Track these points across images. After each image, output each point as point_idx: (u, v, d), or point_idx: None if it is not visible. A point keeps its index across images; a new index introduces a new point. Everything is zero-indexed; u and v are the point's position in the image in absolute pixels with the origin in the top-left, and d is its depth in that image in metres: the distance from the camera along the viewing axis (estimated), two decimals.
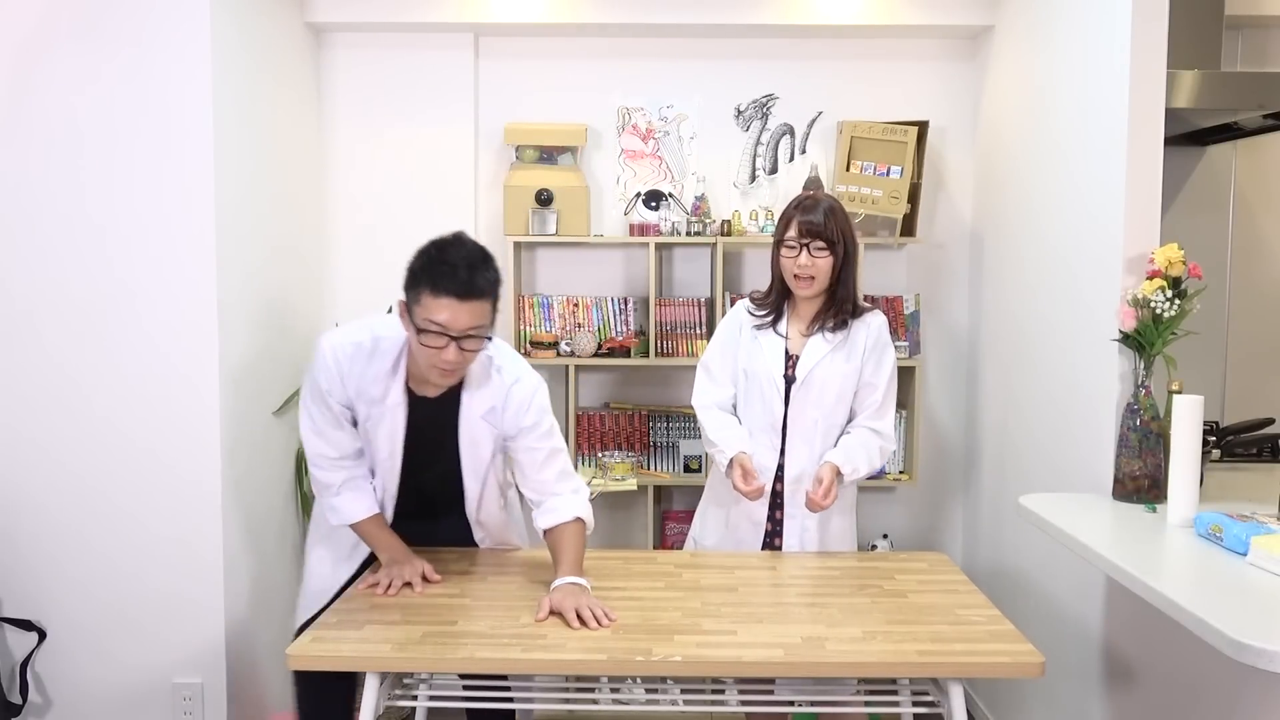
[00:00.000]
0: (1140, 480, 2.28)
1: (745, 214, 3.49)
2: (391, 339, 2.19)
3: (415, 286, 2.03)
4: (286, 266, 3.22)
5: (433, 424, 2.25)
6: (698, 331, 3.44)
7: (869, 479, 3.40)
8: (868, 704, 2.32)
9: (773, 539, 2.52)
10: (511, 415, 2.25)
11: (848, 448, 2.44)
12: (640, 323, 3.53)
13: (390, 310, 2.24)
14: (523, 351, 3.46)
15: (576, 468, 3.45)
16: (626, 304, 3.51)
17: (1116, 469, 2.34)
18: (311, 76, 3.44)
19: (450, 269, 2.00)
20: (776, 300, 2.54)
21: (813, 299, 2.48)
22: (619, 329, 3.51)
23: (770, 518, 2.51)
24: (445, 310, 1.99)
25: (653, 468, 3.53)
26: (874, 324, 2.50)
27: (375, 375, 2.19)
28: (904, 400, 3.52)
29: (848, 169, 3.35)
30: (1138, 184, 2.36)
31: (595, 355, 3.44)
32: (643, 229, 3.46)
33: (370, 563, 2.35)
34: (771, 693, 2.19)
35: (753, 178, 3.56)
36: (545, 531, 2.24)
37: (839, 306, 2.47)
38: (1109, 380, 2.43)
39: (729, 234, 3.41)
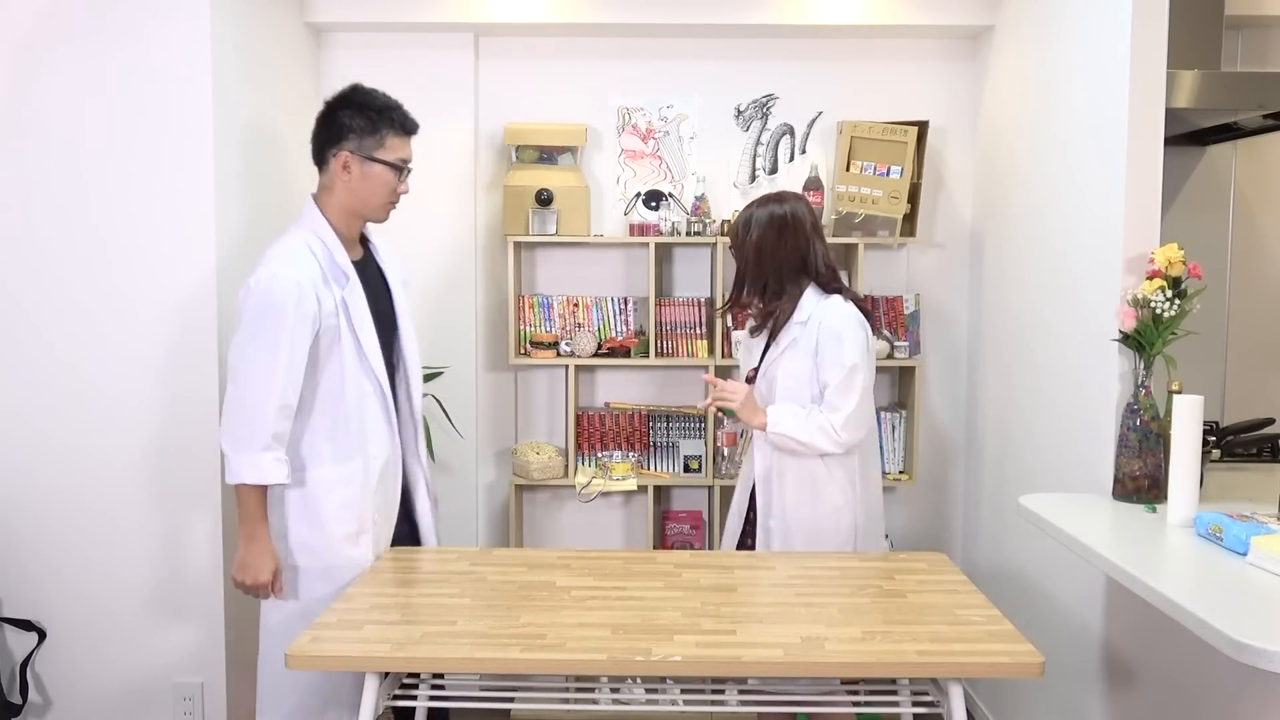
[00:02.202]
0: (1140, 480, 2.28)
1: None
2: (297, 240, 2.28)
3: (375, 131, 2.30)
4: None
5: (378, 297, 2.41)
6: (698, 331, 3.44)
7: None
8: (868, 704, 2.32)
9: (745, 539, 2.61)
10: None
11: (786, 407, 2.46)
12: (640, 323, 3.53)
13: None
14: (522, 351, 3.46)
15: (576, 468, 3.47)
16: (626, 304, 3.51)
17: (1116, 469, 2.34)
18: (311, 76, 3.44)
19: (403, 111, 2.34)
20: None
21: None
22: (619, 329, 3.51)
23: (747, 518, 2.60)
24: (408, 146, 2.37)
25: (653, 468, 3.53)
26: (821, 322, 2.46)
27: (319, 267, 2.27)
28: (904, 400, 3.52)
29: (848, 169, 3.35)
30: (1138, 184, 2.36)
31: (595, 355, 3.44)
32: (643, 229, 3.46)
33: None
34: (773, 693, 2.19)
35: (753, 178, 3.56)
36: None
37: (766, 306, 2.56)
38: (1109, 380, 2.43)
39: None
